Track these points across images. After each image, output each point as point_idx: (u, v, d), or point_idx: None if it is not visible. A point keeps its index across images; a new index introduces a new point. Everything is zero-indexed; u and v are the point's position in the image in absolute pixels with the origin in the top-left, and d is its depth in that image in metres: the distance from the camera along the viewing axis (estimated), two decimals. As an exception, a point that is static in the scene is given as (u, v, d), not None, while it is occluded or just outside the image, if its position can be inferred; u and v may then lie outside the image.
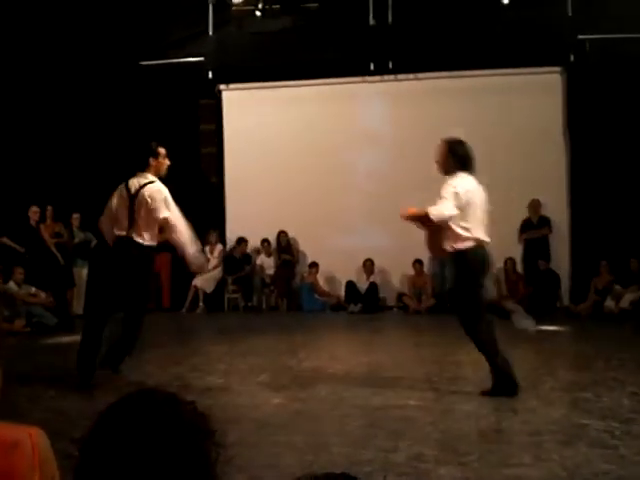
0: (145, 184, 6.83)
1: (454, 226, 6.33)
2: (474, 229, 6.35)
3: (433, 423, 5.45)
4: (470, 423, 5.41)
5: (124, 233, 6.81)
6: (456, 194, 6.27)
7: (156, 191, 6.84)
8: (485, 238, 6.41)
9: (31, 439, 1.85)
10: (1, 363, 2.07)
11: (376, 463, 4.44)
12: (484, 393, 6.17)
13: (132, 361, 8.07)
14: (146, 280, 7.05)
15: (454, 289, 6.54)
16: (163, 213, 6.85)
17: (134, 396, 1.31)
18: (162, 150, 7.07)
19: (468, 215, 6.31)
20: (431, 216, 6.33)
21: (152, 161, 6.99)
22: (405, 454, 4.64)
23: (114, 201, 7.03)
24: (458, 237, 6.33)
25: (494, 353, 6.22)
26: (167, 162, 7.13)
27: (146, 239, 6.82)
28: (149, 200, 6.78)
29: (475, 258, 6.33)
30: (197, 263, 7.54)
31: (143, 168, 6.99)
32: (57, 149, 13.38)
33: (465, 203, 6.28)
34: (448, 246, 6.43)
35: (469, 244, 6.30)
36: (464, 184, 6.35)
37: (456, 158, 6.51)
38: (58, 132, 13.41)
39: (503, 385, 6.13)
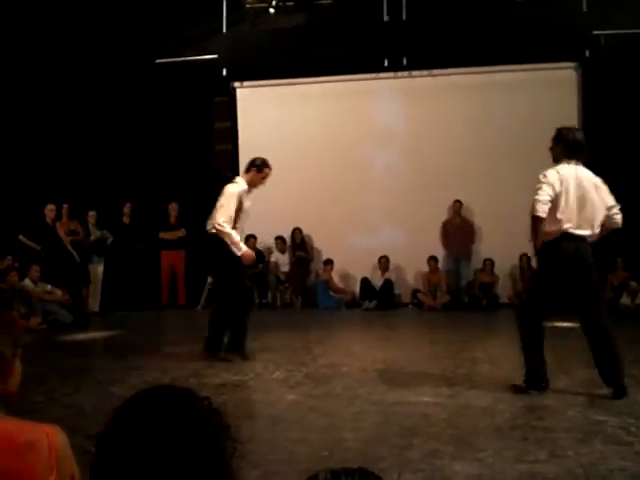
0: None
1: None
2: (565, 220, 6.16)
3: (448, 419, 5.44)
4: (485, 419, 5.40)
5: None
6: (547, 183, 6.11)
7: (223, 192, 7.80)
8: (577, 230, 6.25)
9: (48, 438, 1.86)
10: (20, 358, 2.09)
11: (391, 459, 4.44)
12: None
13: (148, 357, 8.12)
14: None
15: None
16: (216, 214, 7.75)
17: (149, 392, 1.32)
18: (267, 170, 8.09)
19: (560, 205, 6.12)
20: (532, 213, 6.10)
21: (252, 170, 8.01)
22: (420, 450, 4.64)
23: None
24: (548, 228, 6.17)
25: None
26: (263, 181, 8.14)
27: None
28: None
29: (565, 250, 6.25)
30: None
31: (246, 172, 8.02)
32: (73, 147, 13.44)
33: (558, 192, 6.10)
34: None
35: (557, 236, 6.16)
36: (554, 173, 6.19)
37: (564, 145, 6.38)
38: (74, 130, 13.47)
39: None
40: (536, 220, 6.09)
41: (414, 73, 13.84)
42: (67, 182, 13.04)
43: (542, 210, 6.03)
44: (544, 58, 13.02)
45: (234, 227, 7.72)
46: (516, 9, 12.99)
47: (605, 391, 6.20)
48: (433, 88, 13.72)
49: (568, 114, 13.26)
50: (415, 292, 13.66)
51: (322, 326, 11.40)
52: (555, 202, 6.08)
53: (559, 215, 6.11)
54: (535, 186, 6.16)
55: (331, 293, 13.90)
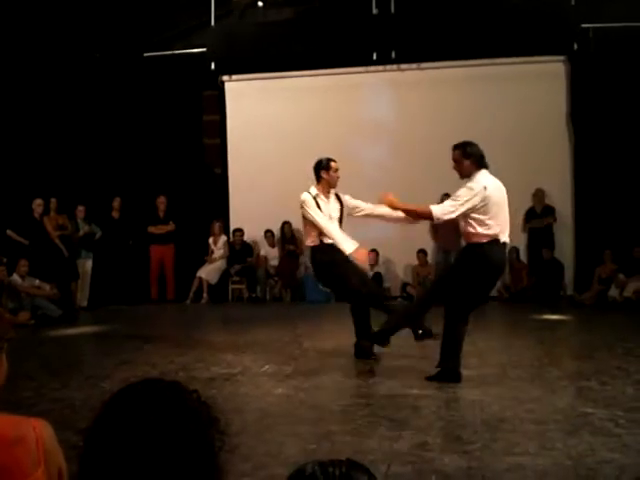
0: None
1: (472, 223, 6.44)
2: (493, 226, 6.44)
3: (437, 412, 5.46)
4: (474, 412, 5.42)
5: None
6: (472, 194, 6.33)
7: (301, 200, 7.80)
8: (502, 237, 6.52)
9: (35, 432, 1.86)
10: (6, 353, 2.08)
11: (380, 452, 4.45)
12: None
13: (137, 351, 8.11)
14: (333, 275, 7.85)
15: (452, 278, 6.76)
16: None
17: (138, 385, 1.32)
18: (333, 164, 8.03)
19: (488, 212, 6.39)
20: (434, 218, 6.49)
21: (324, 174, 7.96)
22: (409, 443, 4.65)
23: None
24: (472, 234, 6.45)
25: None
26: (336, 174, 8.05)
27: (308, 242, 7.87)
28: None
29: (490, 255, 6.45)
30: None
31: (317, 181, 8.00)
32: (61, 141, 13.38)
33: (481, 200, 6.33)
34: (463, 241, 6.71)
35: (485, 240, 6.41)
36: (482, 182, 6.41)
37: (472, 159, 6.51)
38: (61, 124, 13.41)
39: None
40: None
41: (403, 66, 13.83)
42: (55, 176, 12.99)
43: None
44: (533, 51, 13.04)
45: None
46: (505, 2, 13.00)
47: (593, 383, 6.23)
48: (422, 81, 13.72)
49: (557, 107, 13.33)
50: (404, 285, 13.68)
51: (311, 320, 11.41)
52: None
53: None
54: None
55: (320, 287, 13.88)
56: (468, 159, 6.50)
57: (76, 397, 5.92)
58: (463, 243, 6.73)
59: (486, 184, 6.38)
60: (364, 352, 7.60)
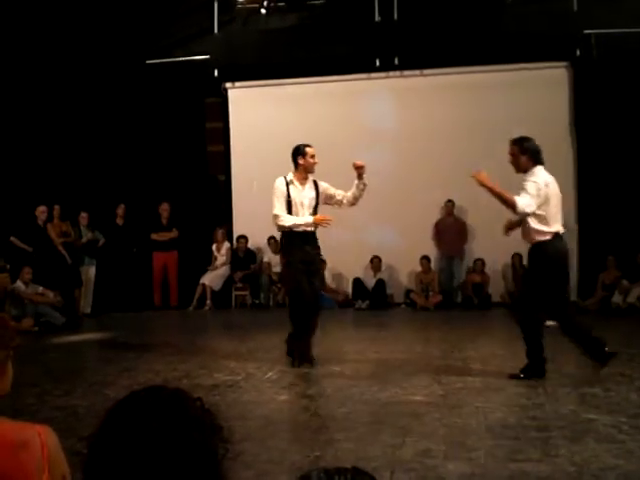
0: None
1: (536, 221, 6.59)
2: (555, 222, 6.62)
3: (440, 419, 5.45)
4: (478, 418, 5.41)
5: None
6: (538, 190, 6.48)
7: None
8: (561, 229, 6.68)
9: (40, 438, 1.86)
10: (12, 359, 2.09)
11: (383, 459, 4.45)
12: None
13: (141, 358, 8.11)
14: None
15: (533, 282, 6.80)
16: None
17: (142, 393, 1.32)
18: (309, 150, 8.14)
19: (550, 209, 6.58)
20: (517, 208, 6.50)
21: (300, 160, 8.11)
22: (412, 450, 4.65)
23: None
24: (537, 231, 6.59)
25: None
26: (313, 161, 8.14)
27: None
28: None
29: (554, 250, 6.61)
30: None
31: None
32: (64, 148, 13.41)
33: (545, 197, 6.51)
34: (528, 239, 6.74)
35: (547, 237, 6.56)
36: (543, 178, 6.56)
37: (528, 154, 6.65)
38: (65, 131, 13.44)
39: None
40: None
41: (406, 73, 13.84)
42: (59, 183, 13.02)
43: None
44: (535, 57, 13.05)
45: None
46: (507, 8, 13.02)
47: (597, 389, 6.23)
48: (425, 88, 13.73)
49: (559, 113, 13.33)
50: (408, 292, 13.67)
51: (315, 326, 11.38)
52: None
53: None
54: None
55: (323, 293, 13.88)
56: (525, 154, 6.65)
57: (79, 404, 5.92)
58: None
59: (546, 180, 6.55)
60: (304, 356, 7.59)
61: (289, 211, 7.80)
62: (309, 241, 7.78)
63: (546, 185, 6.51)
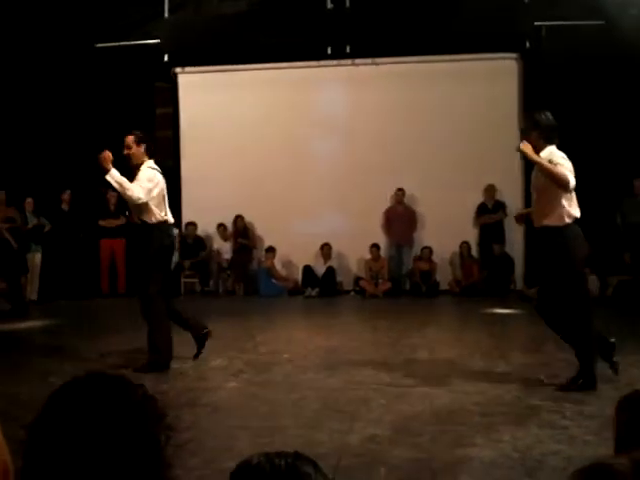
0: None
1: (565, 201, 5.95)
2: (575, 205, 6.05)
3: (387, 405, 5.50)
4: (424, 405, 5.47)
5: None
6: (570, 167, 5.96)
7: None
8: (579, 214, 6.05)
9: (-21, 426, 1.84)
10: None
11: (331, 444, 4.48)
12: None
13: (87, 346, 8.03)
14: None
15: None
16: None
17: (82, 379, 1.31)
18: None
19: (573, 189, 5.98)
20: (570, 183, 5.82)
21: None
22: (359, 436, 4.69)
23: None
24: (569, 214, 5.96)
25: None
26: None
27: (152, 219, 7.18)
28: None
29: (577, 234, 6.00)
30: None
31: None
32: (9, 133, 13.15)
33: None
34: (555, 220, 5.97)
35: (571, 221, 5.97)
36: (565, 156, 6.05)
37: (541, 130, 6.17)
38: (10, 116, 13.18)
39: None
40: None
41: (357, 61, 13.86)
42: (3, 169, 12.77)
43: None
44: (486, 48, 13.18)
45: None
46: (459, -1, 13.10)
47: (541, 375, 6.33)
48: (376, 76, 13.77)
49: (509, 104, 13.48)
50: (357, 279, 13.74)
51: (264, 313, 11.39)
52: None
53: None
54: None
55: (273, 280, 13.90)
56: (535, 130, 6.16)
57: (23, 392, 5.84)
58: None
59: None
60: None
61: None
62: None
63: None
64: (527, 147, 6.04)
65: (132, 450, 1.24)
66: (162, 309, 6.95)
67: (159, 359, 6.86)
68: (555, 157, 5.97)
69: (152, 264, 6.95)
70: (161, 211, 7.10)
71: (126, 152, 7.21)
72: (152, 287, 6.89)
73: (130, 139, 7.16)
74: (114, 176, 6.92)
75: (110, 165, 6.92)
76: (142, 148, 7.16)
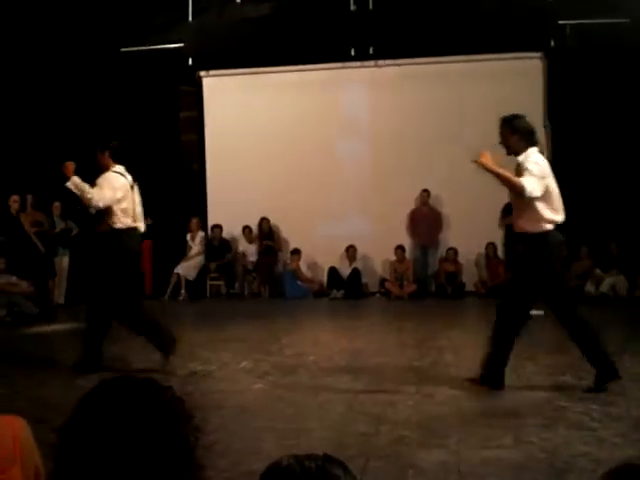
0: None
1: (540, 206, 5.96)
2: (558, 209, 6.08)
3: (414, 407, 5.49)
4: (451, 406, 5.45)
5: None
6: (542, 172, 5.96)
7: None
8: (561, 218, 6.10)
9: (12, 429, 1.85)
10: None
11: (357, 447, 4.47)
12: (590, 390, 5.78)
13: (114, 348, 8.07)
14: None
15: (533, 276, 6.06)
16: None
17: (111, 382, 1.32)
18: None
19: (552, 193, 6.06)
20: (525, 191, 5.81)
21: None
22: (386, 438, 4.68)
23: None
24: (545, 219, 5.99)
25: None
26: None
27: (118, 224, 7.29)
28: None
29: (558, 241, 6.05)
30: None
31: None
32: (37, 137, 13.27)
33: (544, 181, 5.97)
34: (529, 226, 6.04)
35: (551, 226, 6.01)
36: (540, 160, 6.05)
37: (519, 134, 6.19)
38: (38, 120, 13.30)
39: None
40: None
41: (380, 62, 13.85)
42: (32, 173, 12.89)
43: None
44: (510, 48, 13.11)
45: None
46: (482, -1, 13.06)
47: (569, 377, 6.29)
48: (399, 78, 13.74)
49: (533, 103, 13.37)
50: (382, 281, 13.72)
51: (289, 316, 11.41)
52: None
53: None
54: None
55: (299, 282, 13.91)
56: (516, 134, 6.18)
57: (52, 395, 5.89)
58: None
59: (544, 162, 6.07)
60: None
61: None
62: None
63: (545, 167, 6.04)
64: (486, 158, 6.14)
65: (164, 452, 1.24)
66: (125, 314, 6.99)
67: (88, 360, 6.82)
68: (527, 162, 5.97)
69: (115, 270, 6.95)
70: (127, 216, 7.10)
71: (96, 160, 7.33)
72: (112, 292, 6.90)
73: (96, 148, 7.29)
74: (75, 182, 7.07)
75: (71, 173, 7.06)
76: (106, 154, 7.26)
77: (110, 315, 7.04)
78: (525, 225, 6.06)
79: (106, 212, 7.00)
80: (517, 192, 5.92)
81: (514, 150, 6.17)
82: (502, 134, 6.31)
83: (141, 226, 7.27)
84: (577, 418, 5.05)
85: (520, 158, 6.06)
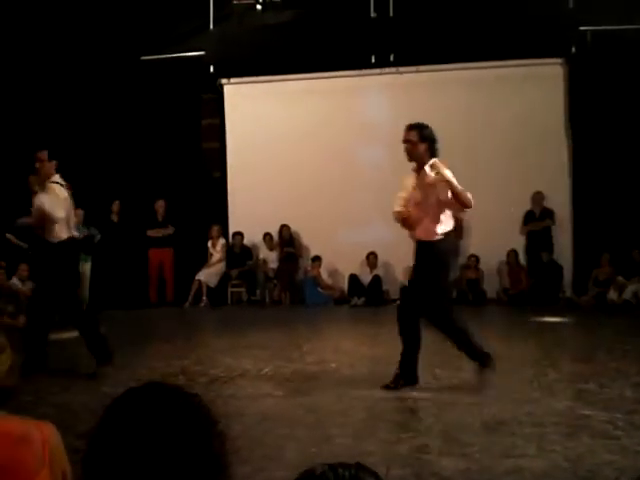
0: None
1: (445, 213, 6.33)
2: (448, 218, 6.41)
3: (436, 415, 5.47)
4: (473, 414, 5.43)
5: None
6: None
7: None
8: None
9: (42, 435, 1.88)
10: (15, 357, 2.11)
11: (379, 454, 4.47)
12: None
13: (137, 355, 8.12)
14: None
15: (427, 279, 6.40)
16: None
17: (140, 389, 1.33)
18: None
19: None
20: (469, 204, 6.14)
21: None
22: (408, 446, 4.66)
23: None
24: (440, 227, 6.32)
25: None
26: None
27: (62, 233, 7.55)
28: None
29: (449, 245, 6.45)
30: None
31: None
32: (58, 145, 13.34)
33: None
34: (427, 235, 6.34)
35: (442, 235, 6.33)
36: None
37: (427, 143, 6.35)
38: (60, 128, 13.40)
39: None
40: None
41: (401, 69, 13.83)
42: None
43: None
44: (531, 54, 13.05)
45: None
46: (503, 4, 13.01)
47: (592, 385, 6.25)
48: (420, 84, 13.72)
49: (555, 110, 13.35)
50: (403, 288, 13.67)
51: (310, 323, 11.41)
52: None
53: None
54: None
55: (319, 289, 13.91)
56: (424, 143, 6.28)
57: (76, 401, 5.93)
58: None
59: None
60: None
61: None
62: None
63: None
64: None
65: (192, 459, 1.25)
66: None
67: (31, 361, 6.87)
68: (446, 173, 6.17)
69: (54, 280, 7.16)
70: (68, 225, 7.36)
71: (38, 165, 7.42)
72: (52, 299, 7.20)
73: (43, 155, 7.41)
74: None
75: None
76: (53, 164, 7.34)
77: (49, 316, 7.32)
78: (425, 233, 6.39)
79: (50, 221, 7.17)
80: (465, 206, 6.18)
81: (419, 158, 6.28)
82: (409, 140, 6.35)
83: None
84: (601, 427, 5.01)
85: (427, 167, 6.19)
